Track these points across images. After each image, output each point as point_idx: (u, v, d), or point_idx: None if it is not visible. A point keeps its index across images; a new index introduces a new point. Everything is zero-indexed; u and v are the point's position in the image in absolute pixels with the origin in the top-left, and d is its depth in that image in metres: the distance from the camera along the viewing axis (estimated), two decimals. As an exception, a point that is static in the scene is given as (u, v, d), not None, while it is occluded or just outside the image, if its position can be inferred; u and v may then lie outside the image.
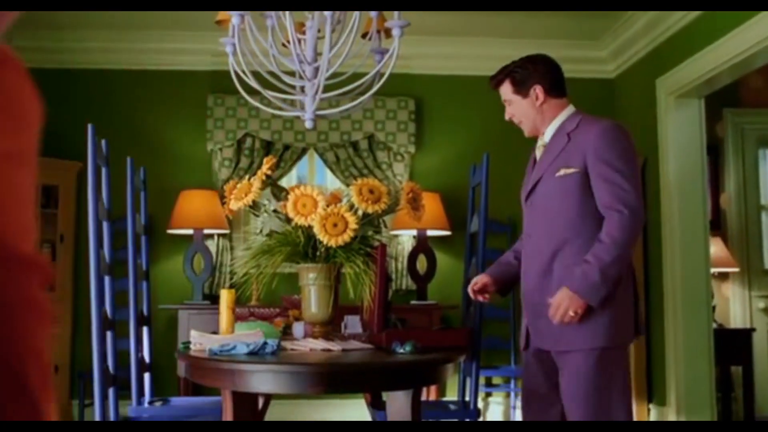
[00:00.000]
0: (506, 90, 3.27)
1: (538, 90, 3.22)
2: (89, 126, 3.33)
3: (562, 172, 3.05)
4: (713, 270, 6.36)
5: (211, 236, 6.45)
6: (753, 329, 6.79)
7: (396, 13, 3.37)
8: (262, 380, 2.71)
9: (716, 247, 6.71)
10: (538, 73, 3.26)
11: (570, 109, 3.25)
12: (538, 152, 3.24)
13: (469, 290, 3.39)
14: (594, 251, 2.94)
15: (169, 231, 6.31)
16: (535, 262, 3.15)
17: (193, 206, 6.17)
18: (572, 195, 3.04)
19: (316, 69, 3.47)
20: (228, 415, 2.99)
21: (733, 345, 6.51)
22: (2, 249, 0.60)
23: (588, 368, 2.98)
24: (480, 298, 3.41)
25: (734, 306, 7.24)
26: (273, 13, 3.51)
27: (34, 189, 0.66)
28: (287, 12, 3.37)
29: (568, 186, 3.04)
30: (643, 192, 6.38)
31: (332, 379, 2.78)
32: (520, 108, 3.24)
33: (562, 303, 2.94)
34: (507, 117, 3.29)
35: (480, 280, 3.40)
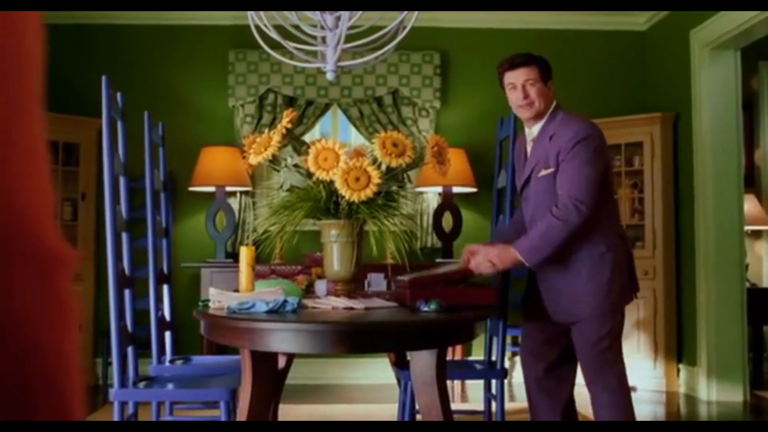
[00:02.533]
0: (534, 72, 3.43)
1: (551, 85, 3.51)
2: (103, 77, 3.23)
3: (543, 172, 3.38)
4: (746, 228, 6.21)
5: (233, 194, 6.38)
6: (786, 288, 6.64)
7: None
8: (281, 339, 2.63)
9: (750, 205, 6.55)
10: (551, 74, 3.55)
11: (549, 113, 3.48)
12: (529, 147, 3.51)
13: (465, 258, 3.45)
14: (541, 223, 3.32)
15: (191, 188, 6.24)
16: None
17: (215, 163, 6.09)
18: (554, 192, 3.35)
19: (338, 18, 3.35)
20: (247, 375, 2.92)
21: (765, 304, 6.38)
22: (24, 242, 0.52)
23: (596, 332, 3.35)
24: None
25: (767, 265, 7.09)
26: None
27: (46, 152, 0.56)
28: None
29: (549, 184, 3.37)
30: (674, 154, 6.24)
31: (354, 338, 2.69)
32: (542, 91, 3.43)
33: (482, 251, 3.37)
34: (523, 95, 3.40)
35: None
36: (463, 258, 3.42)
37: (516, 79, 3.43)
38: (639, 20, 6.75)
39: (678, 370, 6.18)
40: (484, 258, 3.32)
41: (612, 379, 3.35)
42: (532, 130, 3.49)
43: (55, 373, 0.54)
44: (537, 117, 3.45)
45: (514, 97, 3.45)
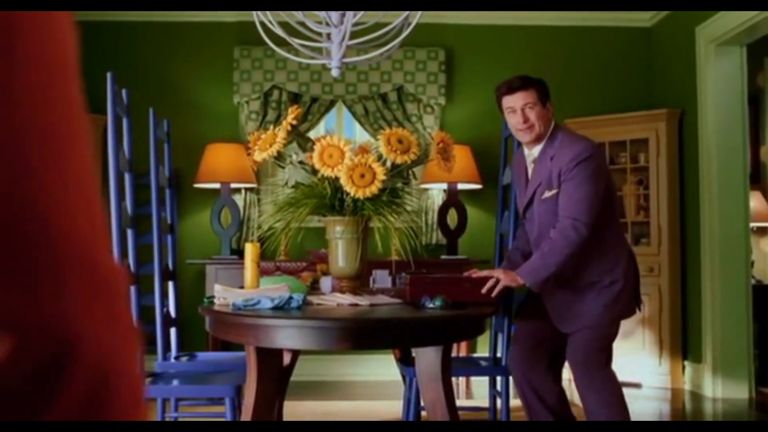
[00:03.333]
0: (533, 95, 3.46)
1: (550, 107, 3.54)
2: (108, 74, 3.23)
3: (546, 194, 3.42)
4: (752, 224, 6.19)
5: (238, 190, 6.39)
6: (792, 285, 6.63)
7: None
8: (286, 336, 2.63)
9: (755, 201, 6.54)
10: (549, 95, 3.57)
11: (548, 134, 3.51)
12: (530, 168, 3.56)
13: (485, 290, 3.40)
14: (540, 250, 3.39)
15: (196, 185, 6.24)
16: None
17: (220, 160, 6.10)
18: (557, 212, 3.40)
19: (343, 15, 3.35)
20: (252, 371, 2.92)
21: (771, 301, 6.36)
22: (81, 264, 0.50)
23: (592, 339, 3.44)
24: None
25: (773, 261, 7.07)
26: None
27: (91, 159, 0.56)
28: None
29: (554, 205, 3.40)
30: (680, 151, 6.23)
31: (359, 334, 2.69)
32: (541, 114, 3.45)
33: (499, 272, 3.36)
34: (522, 119, 3.43)
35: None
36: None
37: (515, 103, 3.45)
38: (644, 16, 6.74)
39: (683, 367, 6.17)
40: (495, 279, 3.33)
41: (602, 379, 3.43)
42: (533, 152, 3.53)
43: (129, 402, 0.53)
44: (537, 140, 3.48)
45: (514, 121, 3.47)
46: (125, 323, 0.53)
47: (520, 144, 3.66)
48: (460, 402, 5.04)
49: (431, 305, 2.91)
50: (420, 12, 3.47)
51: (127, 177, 3.44)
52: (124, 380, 0.52)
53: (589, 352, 3.44)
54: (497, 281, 3.29)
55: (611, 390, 3.44)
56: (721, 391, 5.73)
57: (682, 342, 6.18)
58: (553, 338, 3.55)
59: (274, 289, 2.99)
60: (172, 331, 4.14)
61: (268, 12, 3.47)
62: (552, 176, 3.40)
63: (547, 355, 3.60)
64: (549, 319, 3.55)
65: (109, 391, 0.50)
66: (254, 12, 3.58)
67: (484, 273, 3.35)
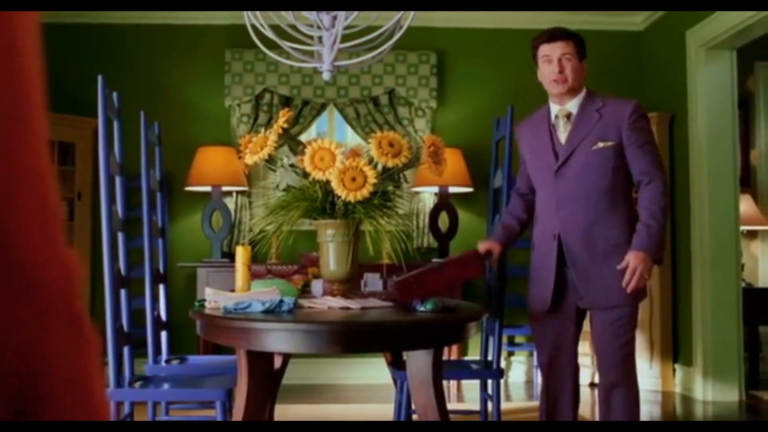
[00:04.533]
0: (571, 46, 3.41)
1: (585, 64, 3.49)
2: (99, 77, 3.22)
3: (601, 144, 3.31)
4: (742, 228, 6.21)
5: (229, 193, 6.38)
6: (782, 288, 6.65)
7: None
8: (277, 339, 2.63)
9: (745, 205, 6.56)
10: (586, 53, 3.53)
11: (584, 90, 3.47)
12: (560, 122, 3.43)
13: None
14: (652, 214, 3.26)
15: (187, 188, 6.23)
16: (577, 228, 3.34)
17: (211, 163, 6.09)
18: (608, 166, 3.32)
19: (334, 18, 3.35)
20: (243, 375, 2.91)
21: (761, 304, 6.38)
22: (21, 277, 0.50)
23: (627, 320, 3.33)
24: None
25: (763, 264, 7.09)
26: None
27: (48, 160, 0.55)
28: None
29: (606, 158, 3.31)
30: (671, 154, 6.25)
31: (350, 338, 2.69)
32: (577, 67, 3.40)
33: (638, 266, 3.19)
34: (558, 69, 3.36)
35: (487, 246, 3.60)
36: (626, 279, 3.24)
37: (552, 51, 3.38)
38: (636, 20, 6.76)
39: (674, 370, 6.19)
40: (642, 273, 3.20)
41: (634, 374, 3.37)
42: (566, 106, 3.43)
43: (71, 404, 0.52)
44: (569, 93, 3.40)
45: (548, 71, 3.39)
46: (67, 327, 0.52)
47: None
48: (451, 405, 5.04)
49: (422, 308, 2.91)
50: (412, 14, 3.48)
51: (117, 180, 3.44)
52: (59, 383, 0.51)
53: (621, 338, 3.30)
54: (633, 272, 3.18)
55: (636, 388, 3.38)
56: (711, 394, 5.74)
57: (672, 345, 6.20)
58: (574, 321, 3.45)
59: (265, 293, 2.99)
60: (163, 334, 4.13)
61: (259, 15, 3.47)
62: (608, 128, 3.31)
63: (572, 336, 3.48)
64: (569, 315, 3.42)
65: (40, 395, 0.50)
66: (245, 14, 3.57)
67: (630, 270, 3.19)
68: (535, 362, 6.46)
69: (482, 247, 3.57)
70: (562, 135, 3.41)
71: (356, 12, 3.32)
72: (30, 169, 0.51)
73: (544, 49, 3.41)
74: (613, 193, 3.34)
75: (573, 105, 3.42)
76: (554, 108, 3.47)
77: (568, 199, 3.35)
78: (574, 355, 3.53)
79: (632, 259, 3.20)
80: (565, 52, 3.38)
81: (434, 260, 4.07)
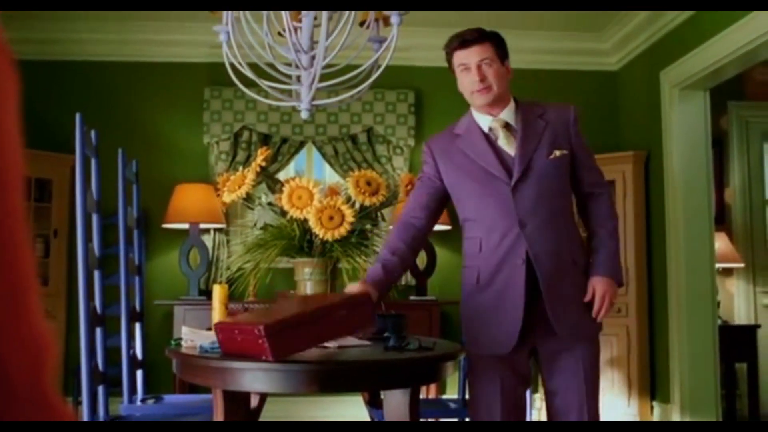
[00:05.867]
0: (489, 49, 2.98)
1: (508, 65, 3.07)
2: (77, 115, 3.23)
3: (558, 153, 2.96)
4: (718, 265, 6.26)
5: (207, 231, 6.36)
6: (758, 326, 6.69)
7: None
8: (253, 379, 2.61)
9: (720, 243, 6.61)
10: (507, 51, 3.09)
11: (512, 98, 3.12)
12: (500, 133, 3.01)
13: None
14: (610, 233, 3.00)
15: (165, 225, 6.21)
16: (548, 247, 2.92)
17: (189, 200, 6.08)
18: (563, 175, 3.01)
19: (312, 58, 3.37)
20: (219, 415, 2.89)
21: (737, 342, 6.42)
22: None
23: (597, 358, 3.04)
24: None
25: (739, 302, 7.14)
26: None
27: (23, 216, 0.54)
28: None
29: (563, 167, 3.00)
30: (646, 192, 6.30)
31: (327, 377, 2.67)
32: (498, 72, 2.99)
33: (607, 293, 2.93)
34: (479, 77, 2.94)
35: (355, 290, 2.88)
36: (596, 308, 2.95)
37: (469, 58, 2.98)
38: (611, 60, 6.85)
39: (651, 408, 6.19)
40: (611, 301, 2.95)
41: (598, 406, 3.11)
42: (501, 117, 3.03)
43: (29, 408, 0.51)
44: (496, 102, 3.01)
45: (468, 81, 2.99)
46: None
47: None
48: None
49: (400, 346, 2.90)
50: (390, 54, 3.50)
51: (94, 218, 3.42)
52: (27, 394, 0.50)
53: (593, 372, 3.01)
54: (603, 299, 2.92)
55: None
56: (689, 431, 5.75)
57: (650, 382, 6.21)
58: (526, 359, 3.04)
59: (242, 331, 2.97)
60: (139, 373, 4.10)
61: (237, 53, 3.49)
62: (557, 135, 2.99)
63: (525, 376, 3.07)
64: (523, 361, 3.02)
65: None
66: (224, 52, 3.59)
67: (600, 298, 2.92)
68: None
69: (353, 290, 2.89)
70: (508, 146, 2.99)
71: (335, 51, 3.34)
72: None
73: (459, 57, 3.01)
74: (570, 207, 3.07)
75: (508, 114, 3.04)
76: (484, 119, 3.06)
77: (531, 215, 2.93)
78: (524, 412, 3.13)
79: (599, 285, 2.93)
80: (483, 58, 2.96)
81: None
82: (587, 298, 2.94)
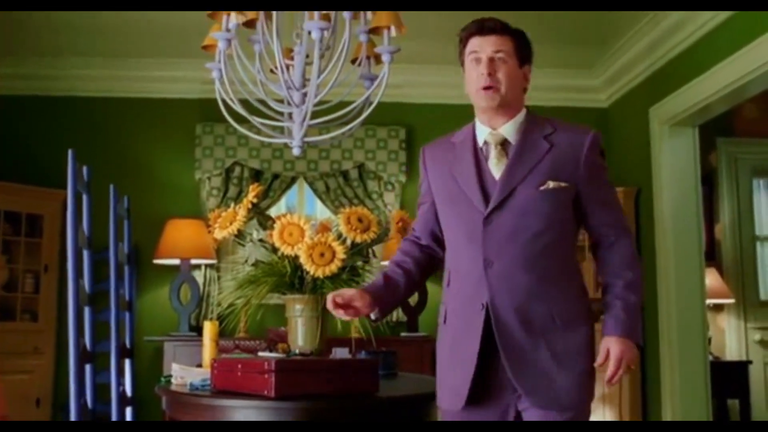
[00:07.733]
0: (508, 43, 2.53)
1: (527, 71, 2.61)
2: (69, 151, 3.24)
3: (552, 185, 2.46)
4: (708, 301, 6.27)
5: (198, 266, 6.35)
6: (749, 362, 6.69)
7: (385, 39, 3.30)
8: (244, 417, 2.60)
9: (711, 278, 6.63)
10: (531, 57, 2.64)
11: (524, 110, 2.62)
12: (492, 151, 2.55)
13: (329, 302, 2.60)
14: (629, 284, 2.53)
15: (156, 261, 6.20)
16: (514, 295, 2.44)
17: (180, 236, 6.07)
18: (557, 212, 2.49)
19: (304, 95, 3.39)
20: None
21: (729, 378, 6.42)
22: None
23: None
24: (340, 312, 2.60)
25: (730, 338, 7.15)
26: (260, 38, 3.43)
27: None
28: (275, 37, 3.29)
29: (556, 202, 2.48)
30: (636, 228, 6.32)
31: (319, 415, 2.66)
32: (512, 72, 2.53)
33: (625, 357, 2.47)
34: (488, 70, 2.50)
35: (349, 293, 2.63)
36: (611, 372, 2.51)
37: (482, 47, 2.52)
38: (601, 96, 6.91)
39: (644, 445, 6.17)
40: (627, 366, 2.49)
41: None
42: (499, 131, 2.56)
43: None
44: (502, 109, 2.55)
45: (475, 74, 2.52)
46: None
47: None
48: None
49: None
50: (381, 90, 3.52)
51: (85, 254, 3.42)
52: None
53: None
54: (619, 364, 2.47)
55: None
56: (681, 468, 5.72)
57: (642, 419, 6.18)
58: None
59: (233, 368, 2.96)
60: (128, 410, 4.07)
61: (229, 89, 3.51)
62: (561, 162, 2.49)
63: None
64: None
65: None
66: (216, 88, 3.61)
67: (615, 362, 2.47)
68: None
69: (345, 293, 2.63)
70: (495, 168, 2.53)
71: (327, 89, 3.36)
72: None
73: (473, 44, 2.55)
74: (562, 251, 2.53)
75: (509, 129, 2.55)
76: (482, 131, 2.61)
77: (499, 254, 2.46)
78: None
79: (615, 346, 2.47)
80: (498, 50, 2.50)
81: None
82: (599, 361, 2.49)
